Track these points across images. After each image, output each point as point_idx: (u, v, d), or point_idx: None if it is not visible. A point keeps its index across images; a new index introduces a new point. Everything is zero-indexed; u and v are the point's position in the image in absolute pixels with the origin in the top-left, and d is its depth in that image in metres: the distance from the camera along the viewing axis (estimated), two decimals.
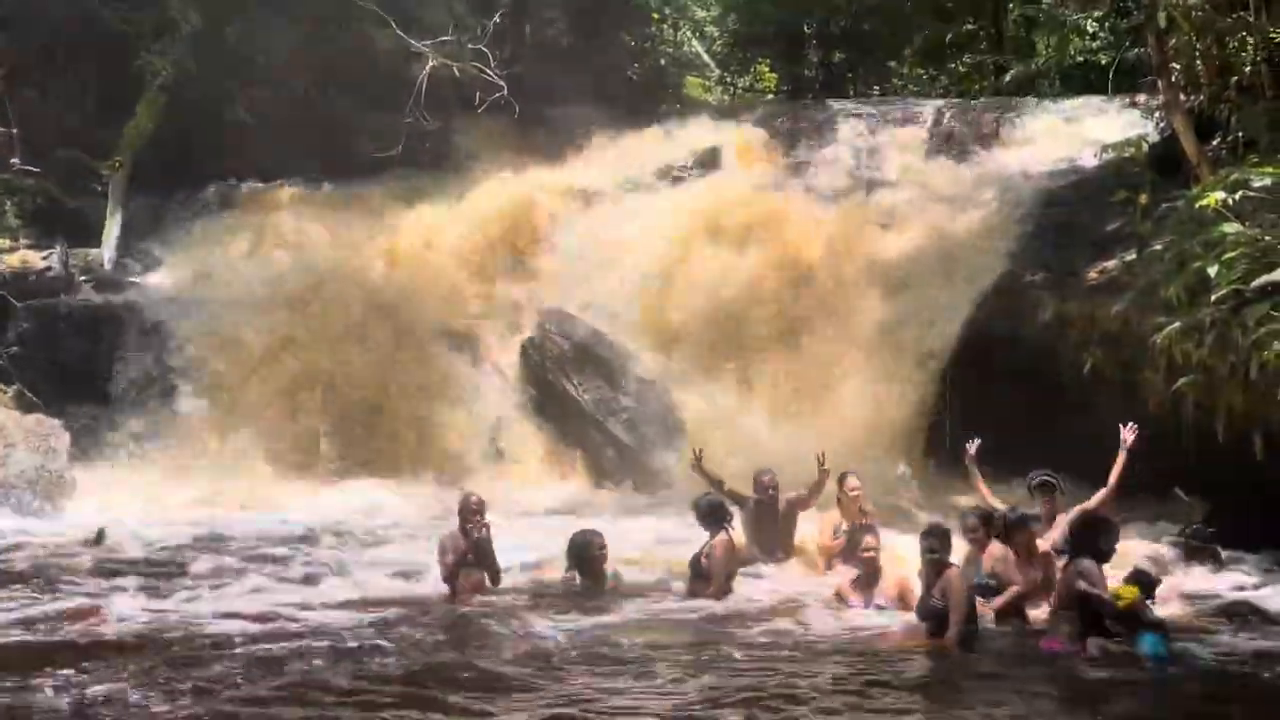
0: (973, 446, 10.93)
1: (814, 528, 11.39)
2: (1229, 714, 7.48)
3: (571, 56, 24.50)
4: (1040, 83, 24.61)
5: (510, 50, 23.66)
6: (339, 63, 21.85)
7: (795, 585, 10.64)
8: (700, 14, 31.70)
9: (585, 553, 10.36)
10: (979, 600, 9.11)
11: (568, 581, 10.41)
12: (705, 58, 31.94)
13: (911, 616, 9.17)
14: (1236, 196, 10.29)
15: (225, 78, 21.88)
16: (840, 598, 9.86)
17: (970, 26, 27.80)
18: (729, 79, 33.19)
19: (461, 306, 18.95)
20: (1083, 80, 22.64)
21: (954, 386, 15.23)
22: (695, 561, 10.33)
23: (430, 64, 21.04)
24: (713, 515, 10.37)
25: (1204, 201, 10.32)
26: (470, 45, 21.94)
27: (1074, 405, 13.68)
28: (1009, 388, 14.38)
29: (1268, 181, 10.40)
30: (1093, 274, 14.04)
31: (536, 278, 19.38)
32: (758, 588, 10.60)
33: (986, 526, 9.55)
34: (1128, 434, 9.97)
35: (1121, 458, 9.96)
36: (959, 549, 9.38)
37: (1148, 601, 8.28)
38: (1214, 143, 12.92)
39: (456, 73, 21.10)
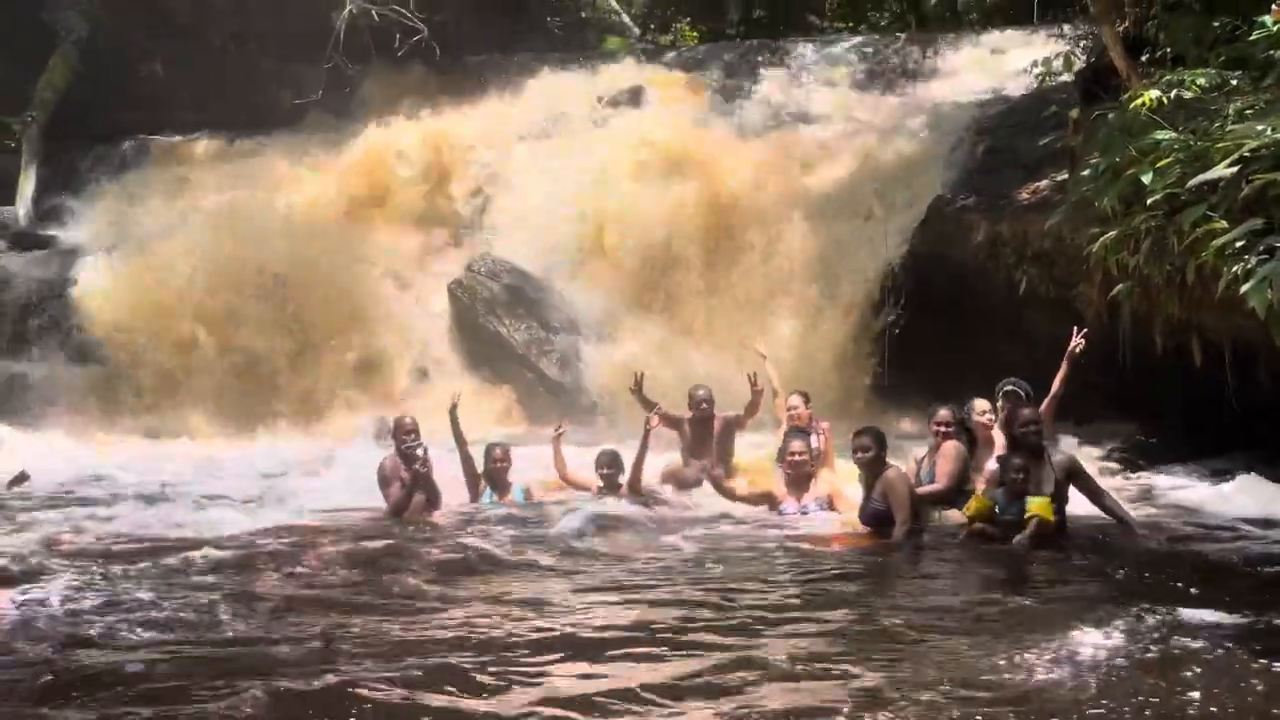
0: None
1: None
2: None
3: (491, 8, 24.00)
4: (964, 16, 24.49)
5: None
6: (256, 11, 21.25)
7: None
8: None
9: (485, 464, 10.49)
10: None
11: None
12: (626, 20, 31.46)
13: (847, 518, 9.09)
14: (1172, 95, 10.17)
15: (140, 30, 21.38)
16: (769, 500, 9.70)
17: None
18: (650, 38, 32.76)
19: (388, 251, 18.61)
20: (1005, 16, 22.60)
21: (890, 314, 15.14)
22: None
23: (349, 8, 20.55)
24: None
25: (1139, 102, 10.18)
26: None
27: (1006, 328, 13.63)
28: (944, 313, 14.31)
29: (1202, 82, 10.31)
30: (1024, 194, 13.90)
31: (464, 220, 19.13)
32: (695, 501, 10.53)
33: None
34: (1078, 340, 9.71)
35: (1065, 365, 9.73)
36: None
37: None
38: (1143, 59, 12.82)
39: (376, 17, 20.65)
